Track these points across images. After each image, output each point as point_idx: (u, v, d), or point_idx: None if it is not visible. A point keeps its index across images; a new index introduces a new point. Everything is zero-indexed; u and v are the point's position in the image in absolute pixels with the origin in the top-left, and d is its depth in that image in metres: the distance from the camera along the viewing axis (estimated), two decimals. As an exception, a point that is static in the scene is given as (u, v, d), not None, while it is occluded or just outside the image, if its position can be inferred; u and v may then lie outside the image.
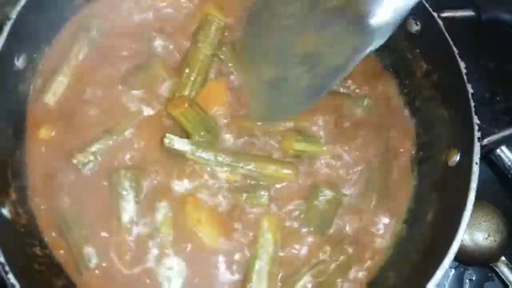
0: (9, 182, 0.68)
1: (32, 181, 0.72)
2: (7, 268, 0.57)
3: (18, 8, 0.70)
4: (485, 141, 0.67)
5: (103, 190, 0.72)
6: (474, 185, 0.63)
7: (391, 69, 0.85)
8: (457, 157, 0.70)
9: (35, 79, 0.77)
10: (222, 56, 0.79)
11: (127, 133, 0.75)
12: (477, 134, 0.66)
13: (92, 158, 0.72)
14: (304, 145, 0.75)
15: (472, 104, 0.67)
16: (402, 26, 0.80)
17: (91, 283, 0.68)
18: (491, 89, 1.00)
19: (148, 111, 0.76)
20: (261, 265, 0.69)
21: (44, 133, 0.75)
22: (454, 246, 0.61)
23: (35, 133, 0.74)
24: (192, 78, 0.76)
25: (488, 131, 0.94)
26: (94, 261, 0.68)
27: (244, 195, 0.72)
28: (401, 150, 0.79)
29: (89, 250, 0.68)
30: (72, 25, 0.80)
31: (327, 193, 0.72)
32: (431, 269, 0.62)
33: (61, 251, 0.69)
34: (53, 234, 0.70)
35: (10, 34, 0.68)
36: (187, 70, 0.77)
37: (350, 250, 0.72)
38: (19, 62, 0.72)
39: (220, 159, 0.72)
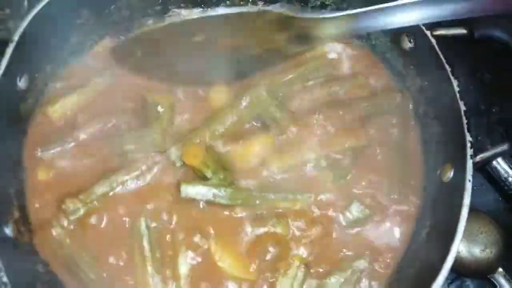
0: (12, 201, 0.69)
1: (34, 217, 0.72)
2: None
3: (21, 29, 0.71)
4: (478, 158, 0.68)
5: (110, 240, 0.72)
6: (467, 201, 0.64)
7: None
8: (451, 173, 0.71)
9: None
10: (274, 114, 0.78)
11: (128, 181, 0.74)
12: (469, 151, 0.66)
13: (80, 205, 0.71)
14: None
15: (465, 121, 0.68)
16: (396, 43, 0.82)
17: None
18: (487, 101, 1.01)
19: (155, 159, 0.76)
20: None
21: (42, 175, 0.75)
22: (448, 262, 0.62)
23: (33, 171, 0.75)
24: (219, 131, 0.77)
25: (483, 144, 0.95)
26: None
27: (267, 227, 0.73)
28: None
29: None
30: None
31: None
32: (426, 286, 0.63)
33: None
34: (62, 269, 0.70)
35: (13, 55, 0.70)
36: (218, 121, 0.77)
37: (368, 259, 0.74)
38: (21, 83, 0.74)
39: (238, 201, 0.73)
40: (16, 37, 0.71)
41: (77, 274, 0.70)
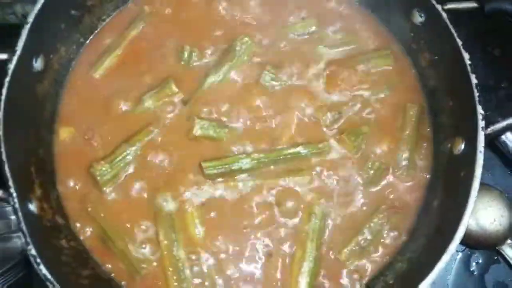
0: (33, 179, 0.71)
1: (63, 187, 0.76)
2: (38, 260, 0.60)
3: (35, 11, 0.72)
4: (489, 129, 0.68)
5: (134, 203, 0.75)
6: (478, 173, 0.65)
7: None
8: (462, 146, 0.72)
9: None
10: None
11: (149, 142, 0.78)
12: (481, 123, 0.67)
13: (107, 167, 0.74)
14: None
15: (476, 94, 0.68)
16: (407, 18, 0.82)
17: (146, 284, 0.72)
18: (496, 76, 1.01)
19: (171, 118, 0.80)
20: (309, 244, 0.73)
21: (66, 134, 0.79)
22: (459, 232, 0.63)
23: (58, 133, 0.79)
24: None
25: (492, 118, 0.95)
26: (144, 265, 0.72)
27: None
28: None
29: (138, 256, 0.72)
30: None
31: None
32: (438, 254, 0.64)
33: (106, 258, 0.73)
34: (95, 243, 0.73)
35: (28, 37, 0.71)
36: None
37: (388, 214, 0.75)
38: (37, 64, 0.75)
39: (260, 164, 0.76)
40: (30, 19, 0.71)
41: (110, 247, 0.73)
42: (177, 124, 0.79)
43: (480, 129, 0.67)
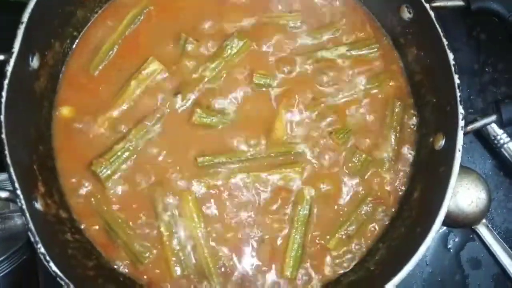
0: (37, 177, 0.73)
1: (66, 182, 0.79)
2: (47, 257, 0.64)
3: (29, 10, 0.72)
4: (468, 128, 0.72)
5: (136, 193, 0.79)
6: (456, 171, 0.69)
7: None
8: (442, 142, 0.75)
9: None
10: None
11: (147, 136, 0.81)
12: (461, 123, 0.70)
13: (107, 163, 0.77)
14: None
15: (458, 94, 0.71)
16: (397, 13, 0.83)
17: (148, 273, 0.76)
18: (481, 61, 1.03)
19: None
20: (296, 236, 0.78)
21: (67, 112, 0.82)
22: (435, 226, 0.68)
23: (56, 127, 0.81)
24: None
25: (475, 103, 0.99)
26: (147, 255, 0.76)
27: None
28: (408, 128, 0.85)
29: (140, 246, 0.77)
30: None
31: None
32: (416, 242, 0.69)
33: (110, 249, 0.77)
34: (99, 235, 0.77)
35: (23, 36, 0.71)
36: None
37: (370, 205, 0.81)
38: (34, 62, 0.75)
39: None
40: (25, 19, 0.71)
41: (113, 238, 0.77)
42: (174, 116, 0.82)
43: (460, 128, 0.70)
